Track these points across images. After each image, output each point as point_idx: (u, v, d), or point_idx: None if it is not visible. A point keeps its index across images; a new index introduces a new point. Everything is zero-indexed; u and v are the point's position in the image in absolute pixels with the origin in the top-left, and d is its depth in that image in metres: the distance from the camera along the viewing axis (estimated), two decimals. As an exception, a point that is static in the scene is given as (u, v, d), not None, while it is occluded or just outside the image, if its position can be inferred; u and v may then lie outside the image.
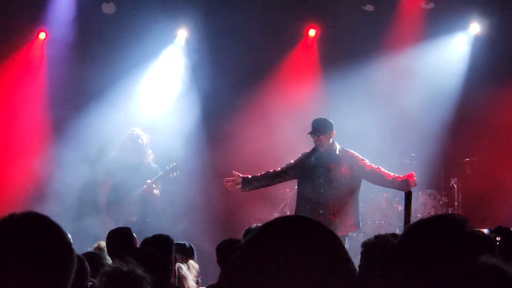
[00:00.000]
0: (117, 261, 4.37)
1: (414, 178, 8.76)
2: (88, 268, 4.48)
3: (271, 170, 9.14)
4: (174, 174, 10.14)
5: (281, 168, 9.11)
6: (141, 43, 11.79)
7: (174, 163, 10.16)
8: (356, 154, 8.97)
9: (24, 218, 2.19)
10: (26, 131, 11.71)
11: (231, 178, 9.18)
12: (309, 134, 8.90)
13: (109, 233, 6.61)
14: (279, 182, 9.44)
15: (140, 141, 10.24)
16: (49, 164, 11.46)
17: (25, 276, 2.10)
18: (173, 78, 12.37)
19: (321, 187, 8.81)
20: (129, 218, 9.86)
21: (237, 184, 9.16)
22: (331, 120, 8.95)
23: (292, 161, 9.10)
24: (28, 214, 2.21)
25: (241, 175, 9.16)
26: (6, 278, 2.08)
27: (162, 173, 10.11)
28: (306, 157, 9.00)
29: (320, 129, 8.83)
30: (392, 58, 11.93)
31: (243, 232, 6.98)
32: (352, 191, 8.90)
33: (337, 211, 8.78)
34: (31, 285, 2.10)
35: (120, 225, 9.82)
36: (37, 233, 2.16)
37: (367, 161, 8.92)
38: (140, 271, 3.86)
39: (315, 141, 8.93)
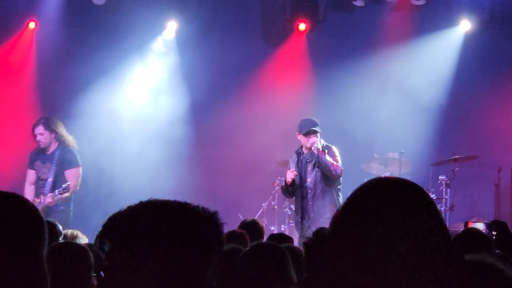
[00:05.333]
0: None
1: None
2: (93, 259, 4.07)
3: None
4: None
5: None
6: (131, 34, 11.76)
7: None
8: (334, 150, 9.06)
9: None
10: (15, 120, 11.64)
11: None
12: (309, 134, 8.94)
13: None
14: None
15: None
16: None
17: None
18: (163, 69, 12.33)
19: (308, 177, 9.04)
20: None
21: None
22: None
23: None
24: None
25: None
26: None
27: None
28: (297, 161, 9.15)
29: (317, 127, 8.92)
30: (382, 54, 11.94)
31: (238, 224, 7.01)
32: (330, 185, 9.07)
33: (321, 205, 8.93)
34: None
35: None
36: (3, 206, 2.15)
37: (339, 162, 8.99)
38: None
39: (310, 140, 8.95)
